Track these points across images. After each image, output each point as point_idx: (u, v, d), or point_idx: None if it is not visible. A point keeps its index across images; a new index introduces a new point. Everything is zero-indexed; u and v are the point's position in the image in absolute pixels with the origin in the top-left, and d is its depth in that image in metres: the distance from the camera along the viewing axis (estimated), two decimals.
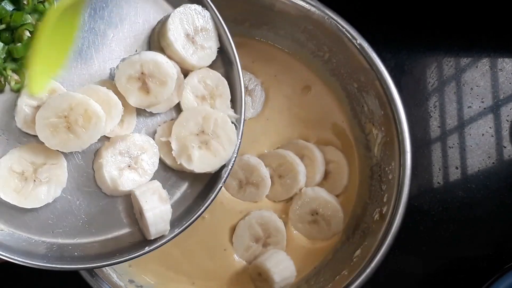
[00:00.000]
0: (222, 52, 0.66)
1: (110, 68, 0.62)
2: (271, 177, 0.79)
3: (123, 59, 0.61)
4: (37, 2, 0.59)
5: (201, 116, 0.63)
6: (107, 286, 0.69)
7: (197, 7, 0.63)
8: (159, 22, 0.64)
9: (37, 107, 0.58)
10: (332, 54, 0.79)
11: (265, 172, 0.78)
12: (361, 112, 0.80)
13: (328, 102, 0.84)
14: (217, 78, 0.66)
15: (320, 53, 0.81)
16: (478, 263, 0.85)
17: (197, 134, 0.63)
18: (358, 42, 0.74)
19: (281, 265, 0.75)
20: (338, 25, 0.74)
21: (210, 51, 0.65)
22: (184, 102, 0.65)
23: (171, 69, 0.61)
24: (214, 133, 0.63)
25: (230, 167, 0.64)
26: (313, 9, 0.74)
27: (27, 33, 0.58)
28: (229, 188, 0.79)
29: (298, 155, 0.80)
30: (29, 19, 0.59)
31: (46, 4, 0.60)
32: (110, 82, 0.62)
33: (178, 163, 0.62)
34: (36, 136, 0.57)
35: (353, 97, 0.81)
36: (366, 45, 0.74)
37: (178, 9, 0.62)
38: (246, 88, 0.82)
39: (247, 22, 0.81)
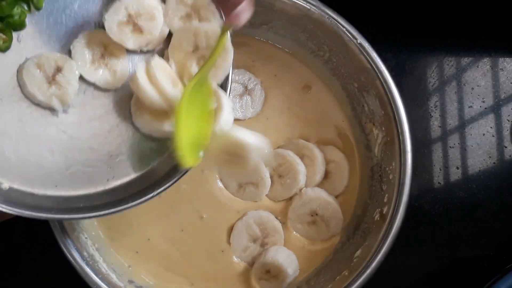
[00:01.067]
0: None
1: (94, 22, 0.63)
2: (271, 177, 0.79)
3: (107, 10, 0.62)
4: None
5: (191, 33, 0.63)
6: (106, 286, 0.69)
7: None
8: None
9: None
10: (332, 53, 0.79)
11: (264, 171, 0.78)
12: (362, 112, 0.80)
13: (328, 102, 0.84)
14: None
15: (320, 53, 0.81)
16: (479, 264, 0.85)
17: (193, 52, 0.63)
18: (358, 41, 0.74)
19: (289, 259, 0.76)
20: (338, 24, 0.74)
21: None
22: (173, 27, 0.65)
23: (154, 1, 0.62)
24: (208, 46, 0.62)
25: (230, 81, 0.64)
26: (313, 8, 0.74)
27: None
28: (229, 187, 0.79)
29: (298, 155, 0.79)
30: None
31: None
32: (102, 31, 0.62)
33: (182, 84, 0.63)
34: None
35: (354, 97, 0.81)
36: (366, 45, 0.74)
37: None
38: (245, 87, 0.82)
39: (246, 22, 0.81)
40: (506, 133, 0.89)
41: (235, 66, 0.81)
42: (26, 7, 0.61)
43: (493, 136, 0.89)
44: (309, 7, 0.74)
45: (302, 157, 0.80)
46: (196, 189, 0.78)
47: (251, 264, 0.78)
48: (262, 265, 0.76)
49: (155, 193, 0.62)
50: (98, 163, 0.63)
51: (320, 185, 0.80)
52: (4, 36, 0.60)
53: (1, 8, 0.58)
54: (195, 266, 0.77)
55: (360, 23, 0.74)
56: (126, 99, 0.64)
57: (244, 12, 0.55)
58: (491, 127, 0.89)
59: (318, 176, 0.80)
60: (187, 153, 0.56)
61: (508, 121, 0.89)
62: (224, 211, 0.79)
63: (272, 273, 0.75)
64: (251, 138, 0.60)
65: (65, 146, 0.62)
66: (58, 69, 0.61)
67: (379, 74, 0.74)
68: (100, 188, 0.63)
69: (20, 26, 0.61)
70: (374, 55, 0.74)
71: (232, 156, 0.61)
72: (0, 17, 0.59)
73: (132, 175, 0.64)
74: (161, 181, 0.63)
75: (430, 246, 0.85)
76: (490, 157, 0.88)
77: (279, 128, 0.82)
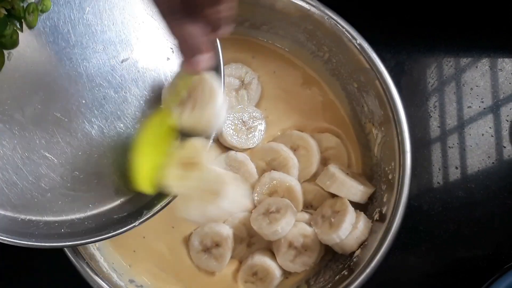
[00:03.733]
0: None
1: None
2: (264, 171, 0.79)
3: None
4: None
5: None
6: (107, 286, 0.69)
7: None
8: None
9: None
10: (332, 54, 0.79)
11: (252, 167, 0.78)
12: (361, 112, 0.80)
13: (328, 102, 0.84)
14: None
15: (320, 53, 0.81)
16: (478, 263, 0.85)
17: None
18: (358, 42, 0.74)
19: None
20: (338, 25, 0.74)
21: None
22: None
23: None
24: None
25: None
26: (313, 9, 0.74)
27: (3, 11, 0.57)
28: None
29: (292, 146, 0.79)
30: None
31: None
32: None
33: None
34: None
35: (353, 97, 0.81)
36: (366, 45, 0.74)
37: None
38: (242, 81, 0.82)
39: (246, 22, 0.81)
40: (505, 133, 0.89)
41: (234, 60, 0.82)
42: (18, 25, 0.59)
43: (492, 136, 0.89)
44: (309, 8, 0.75)
45: (297, 148, 0.80)
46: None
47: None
48: (250, 267, 0.76)
49: (136, 223, 0.61)
50: (81, 187, 0.61)
51: (318, 174, 0.79)
52: None
53: None
54: (192, 270, 0.78)
55: (359, 23, 0.74)
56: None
57: (204, 61, 0.49)
58: (490, 127, 0.89)
59: (315, 165, 0.79)
60: (144, 181, 0.59)
61: (507, 121, 0.89)
62: None
63: (259, 275, 0.76)
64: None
65: (49, 169, 0.60)
66: None
67: (378, 75, 0.74)
68: (81, 214, 0.62)
69: (11, 45, 0.59)
70: (374, 55, 0.74)
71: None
72: None
73: (115, 202, 0.63)
74: (145, 208, 0.62)
75: (429, 245, 0.85)
76: (489, 157, 0.88)
77: (275, 121, 0.82)
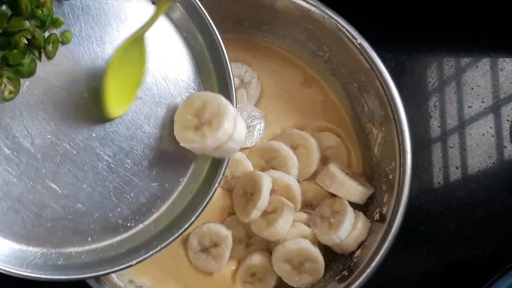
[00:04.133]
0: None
1: None
2: (263, 170, 0.78)
3: None
4: (35, 7, 0.57)
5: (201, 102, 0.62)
6: (107, 286, 0.69)
7: None
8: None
9: None
10: (332, 53, 0.79)
11: (249, 166, 0.78)
12: (361, 112, 0.80)
13: (328, 101, 0.84)
14: None
15: (320, 53, 0.81)
16: (478, 263, 0.85)
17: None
18: (358, 41, 0.74)
19: None
20: (338, 24, 0.74)
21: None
22: None
23: None
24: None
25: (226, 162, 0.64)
26: (313, 8, 0.74)
27: (24, 40, 0.57)
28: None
29: (292, 145, 0.79)
30: (27, 25, 0.57)
31: (45, 10, 0.58)
32: None
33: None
34: None
35: (353, 97, 0.81)
36: (366, 45, 0.74)
37: None
38: (241, 80, 0.82)
39: (246, 22, 0.81)
40: (505, 133, 0.89)
41: (233, 59, 0.82)
42: (37, 54, 0.58)
43: (492, 136, 0.89)
44: (309, 7, 0.74)
45: (296, 147, 0.79)
46: None
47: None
48: (248, 268, 0.76)
49: (133, 262, 0.60)
50: (82, 220, 0.60)
51: (318, 173, 0.79)
52: (11, 87, 0.57)
53: (12, 57, 0.56)
54: (185, 267, 0.78)
55: (360, 23, 0.74)
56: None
57: None
58: (490, 127, 0.89)
59: (314, 164, 0.79)
60: (113, 105, 0.59)
61: (508, 121, 0.89)
62: (216, 210, 0.79)
63: (258, 275, 0.75)
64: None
65: (52, 199, 0.59)
66: None
67: (378, 74, 0.74)
68: (79, 248, 0.61)
69: (29, 74, 0.58)
70: (374, 55, 0.74)
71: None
72: (10, 65, 0.57)
73: (115, 238, 0.62)
74: (143, 247, 0.61)
75: (429, 246, 0.85)
76: (489, 157, 0.88)
77: (274, 120, 0.82)
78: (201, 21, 0.65)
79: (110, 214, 0.61)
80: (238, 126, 0.60)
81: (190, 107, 0.61)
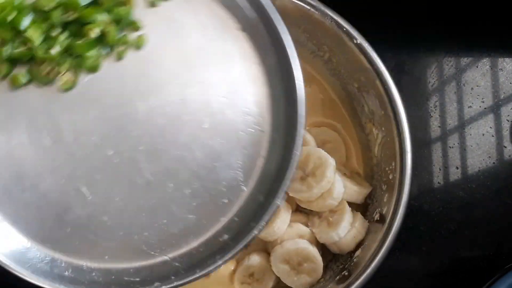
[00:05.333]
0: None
1: None
2: None
3: None
4: (115, 4, 0.55)
5: None
6: None
7: None
8: None
9: None
10: (332, 54, 0.79)
11: None
12: (361, 112, 0.80)
13: (328, 101, 0.84)
14: None
15: (320, 53, 0.81)
16: (478, 263, 0.85)
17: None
18: (358, 41, 0.74)
19: None
20: (338, 25, 0.74)
21: None
22: None
23: None
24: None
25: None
26: (313, 9, 0.74)
27: (95, 32, 0.54)
28: None
29: None
30: (100, 18, 0.54)
31: (125, 8, 0.55)
32: None
33: None
34: None
35: (353, 97, 0.81)
36: (366, 45, 0.74)
37: None
38: None
39: None
40: (505, 133, 0.89)
41: None
42: (104, 51, 0.55)
43: (492, 136, 0.89)
44: (309, 8, 0.74)
45: None
46: None
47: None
48: (246, 268, 0.75)
49: None
50: (104, 234, 0.56)
51: None
52: (69, 77, 0.54)
53: (78, 46, 0.53)
54: None
55: (359, 23, 0.74)
56: None
57: None
58: (490, 127, 0.89)
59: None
60: None
61: (508, 121, 0.89)
62: None
63: (255, 276, 0.75)
64: None
65: (79, 204, 0.55)
66: None
67: (379, 74, 0.73)
68: (93, 263, 0.56)
69: (91, 69, 0.55)
70: (374, 55, 0.74)
71: None
72: (73, 55, 0.54)
73: (133, 263, 0.57)
74: (158, 281, 0.56)
75: (429, 246, 0.85)
76: (489, 157, 0.88)
77: None
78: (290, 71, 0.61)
79: (136, 237, 0.56)
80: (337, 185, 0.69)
81: None
